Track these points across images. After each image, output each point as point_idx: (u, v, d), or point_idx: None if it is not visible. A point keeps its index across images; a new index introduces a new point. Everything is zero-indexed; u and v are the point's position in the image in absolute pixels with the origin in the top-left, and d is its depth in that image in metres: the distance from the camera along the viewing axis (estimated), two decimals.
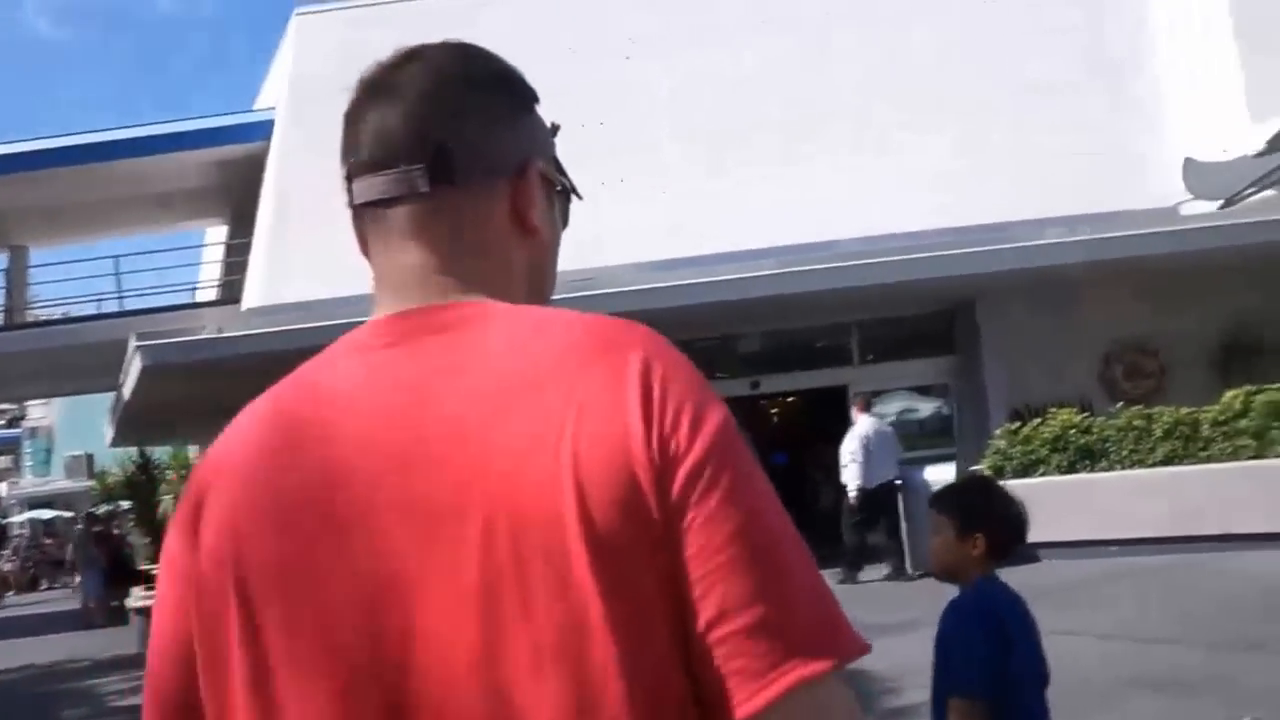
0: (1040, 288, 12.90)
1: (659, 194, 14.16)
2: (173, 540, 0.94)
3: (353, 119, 1.01)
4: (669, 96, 15.11)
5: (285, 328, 11.78)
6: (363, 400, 0.91)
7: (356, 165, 1.00)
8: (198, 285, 19.90)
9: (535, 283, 1.05)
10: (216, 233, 20.61)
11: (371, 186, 0.99)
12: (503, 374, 0.89)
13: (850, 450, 11.66)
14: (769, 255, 11.77)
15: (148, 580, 11.60)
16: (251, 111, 17.82)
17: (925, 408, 15.18)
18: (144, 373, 12.13)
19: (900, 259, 11.94)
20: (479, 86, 1.03)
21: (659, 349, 0.91)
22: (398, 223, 0.99)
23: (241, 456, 0.93)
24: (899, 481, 11.59)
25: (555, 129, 1.09)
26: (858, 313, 14.38)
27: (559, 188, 1.08)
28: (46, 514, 34.79)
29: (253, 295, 14.14)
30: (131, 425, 15.77)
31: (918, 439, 14.77)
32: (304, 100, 15.23)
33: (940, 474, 10.93)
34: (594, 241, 13.46)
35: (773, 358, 14.92)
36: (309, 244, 14.08)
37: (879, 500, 11.57)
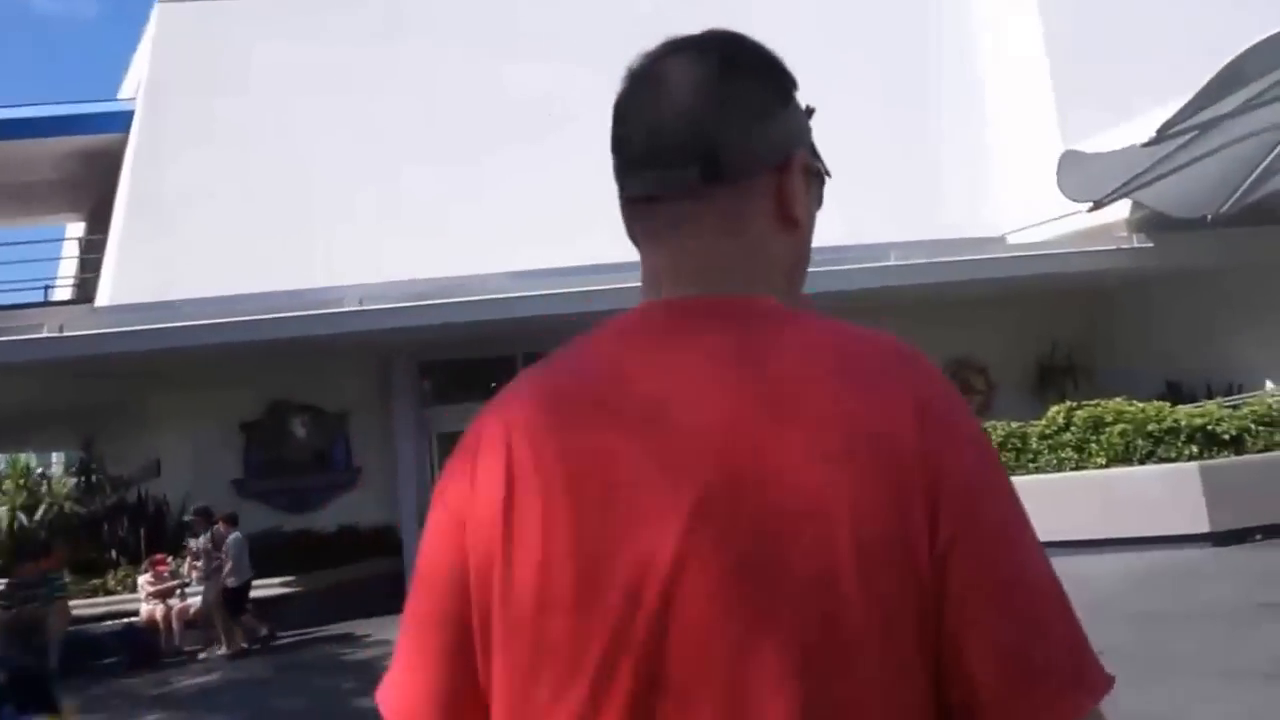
0: (874, 310, 13.92)
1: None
2: (449, 483, 0.98)
3: (622, 111, 1.02)
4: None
5: (126, 328, 11.75)
6: (643, 379, 0.93)
7: (629, 160, 1.02)
8: (54, 283, 19.05)
9: (795, 272, 1.05)
10: (76, 229, 19.85)
11: (644, 182, 1.00)
12: (779, 368, 0.90)
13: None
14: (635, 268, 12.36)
15: None
16: (114, 101, 17.25)
17: None
18: None
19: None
20: (746, 80, 1.01)
21: (935, 374, 0.93)
22: (669, 217, 1.00)
23: (523, 418, 0.95)
24: None
25: (810, 112, 1.07)
26: None
27: (817, 174, 1.06)
28: None
29: (105, 293, 13.94)
30: None
31: None
32: (161, 91, 15.14)
33: None
34: (469, 250, 13.94)
35: None
36: (164, 241, 14.00)
37: None
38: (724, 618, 0.85)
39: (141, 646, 11.26)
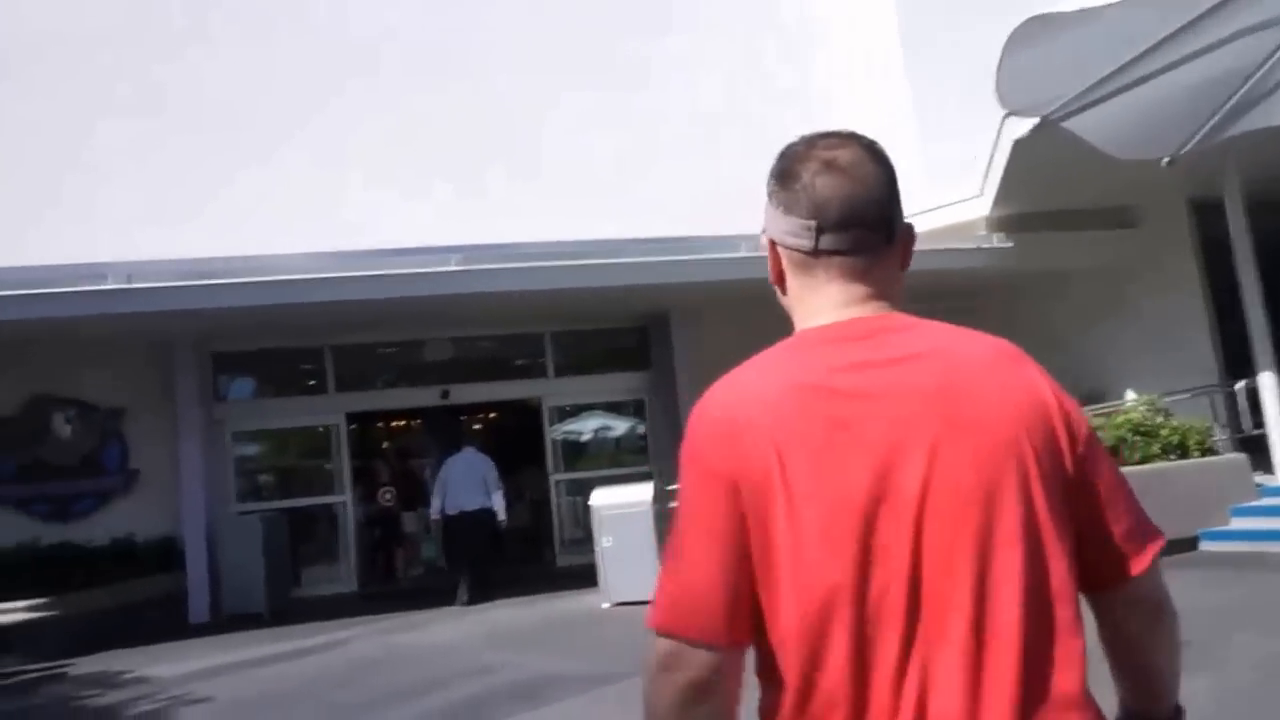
0: (736, 303, 12.90)
1: (341, 183, 13.06)
2: (711, 457, 1.39)
3: (801, 181, 1.48)
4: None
5: None
6: (853, 370, 1.40)
7: (827, 222, 1.46)
8: None
9: (900, 297, 1.52)
10: None
11: (839, 240, 1.46)
12: (950, 357, 1.42)
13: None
14: (454, 251, 10.97)
15: None
16: None
17: (621, 425, 14.96)
18: None
19: (592, 263, 11.51)
20: (889, 170, 1.51)
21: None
22: (853, 264, 1.48)
23: (767, 401, 1.39)
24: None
25: None
26: (550, 323, 13.95)
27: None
28: None
29: None
30: None
31: (615, 456, 14.59)
32: None
33: (637, 494, 10.56)
34: (260, 227, 12.26)
35: (464, 367, 14.12)
36: None
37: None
38: (959, 527, 1.32)
39: None
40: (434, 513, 12.05)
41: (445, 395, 13.80)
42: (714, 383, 1.45)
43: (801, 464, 1.34)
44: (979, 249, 12.22)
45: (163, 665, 9.42)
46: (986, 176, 11.50)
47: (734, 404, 1.41)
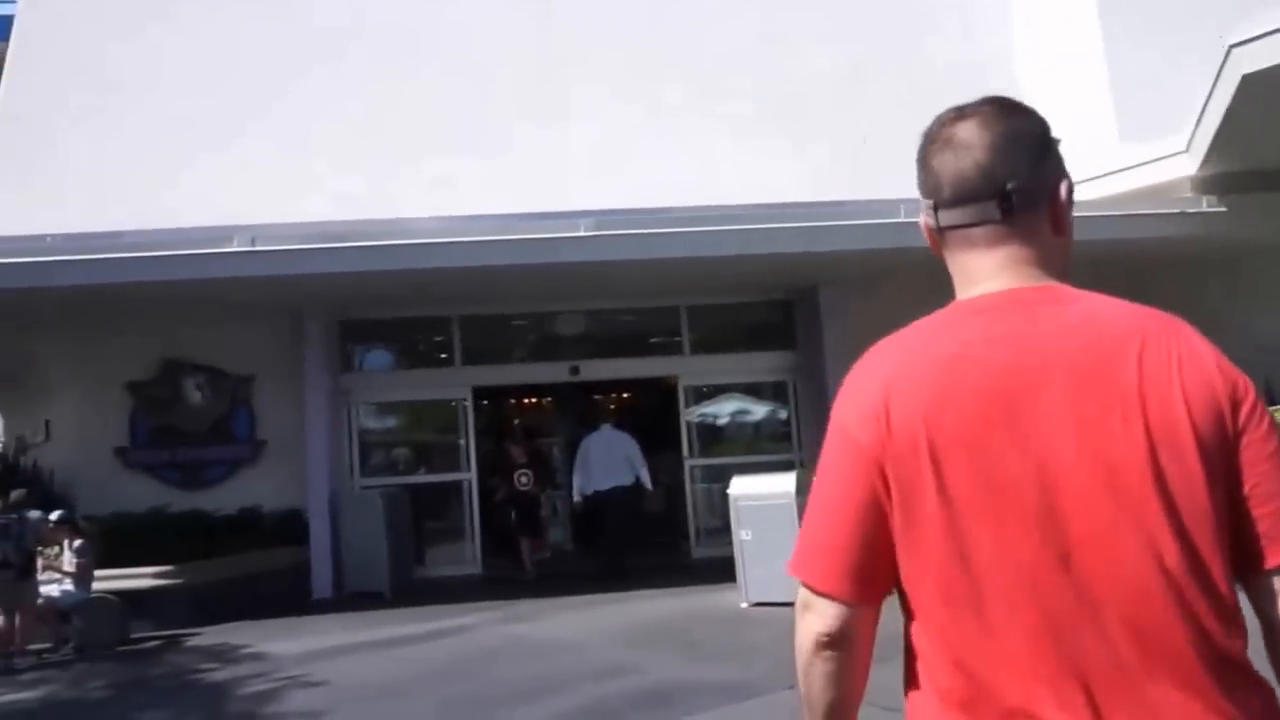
0: (891, 275, 11.84)
1: (462, 142, 12.48)
2: (855, 427, 1.44)
3: (927, 163, 1.54)
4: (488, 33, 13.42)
5: None
6: (1004, 340, 1.40)
7: (941, 200, 1.52)
8: None
9: (1064, 265, 1.51)
10: None
11: (954, 216, 1.51)
12: (1105, 330, 1.39)
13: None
14: (585, 216, 10.23)
15: None
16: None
17: (760, 409, 14.08)
18: None
19: (733, 229, 10.58)
20: (1023, 136, 1.50)
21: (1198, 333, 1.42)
22: (980, 237, 1.50)
23: (916, 371, 1.42)
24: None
25: (1058, 141, 1.56)
26: (687, 296, 13.12)
27: (1070, 188, 1.54)
28: None
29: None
30: None
31: (753, 442, 13.76)
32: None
33: (779, 484, 9.66)
34: (386, 193, 11.80)
35: (595, 342, 13.45)
36: (40, 166, 11.93)
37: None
38: (1108, 501, 1.32)
39: None
40: (575, 493, 11.91)
41: (575, 372, 13.15)
42: (865, 351, 1.50)
43: (949, 436, 1.37)
44: (1183, 214, 10.61)
45: (282, 642, 9.14)
46: (1197, 127, 9.82)
47: (882, 373, 1.45)
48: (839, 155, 12.74)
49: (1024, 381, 1.36)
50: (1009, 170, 1.46)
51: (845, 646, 1.44)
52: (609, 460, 11.69)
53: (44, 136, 12.15)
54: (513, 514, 12.12)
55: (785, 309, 13.54)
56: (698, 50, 13.49)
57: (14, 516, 9.08)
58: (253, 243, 10.02)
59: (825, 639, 1.44)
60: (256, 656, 8.71)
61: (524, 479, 12.04)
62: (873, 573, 1.42)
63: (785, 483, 9.65)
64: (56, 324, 11.78)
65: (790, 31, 13.71)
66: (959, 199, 1.48)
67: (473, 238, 10.10)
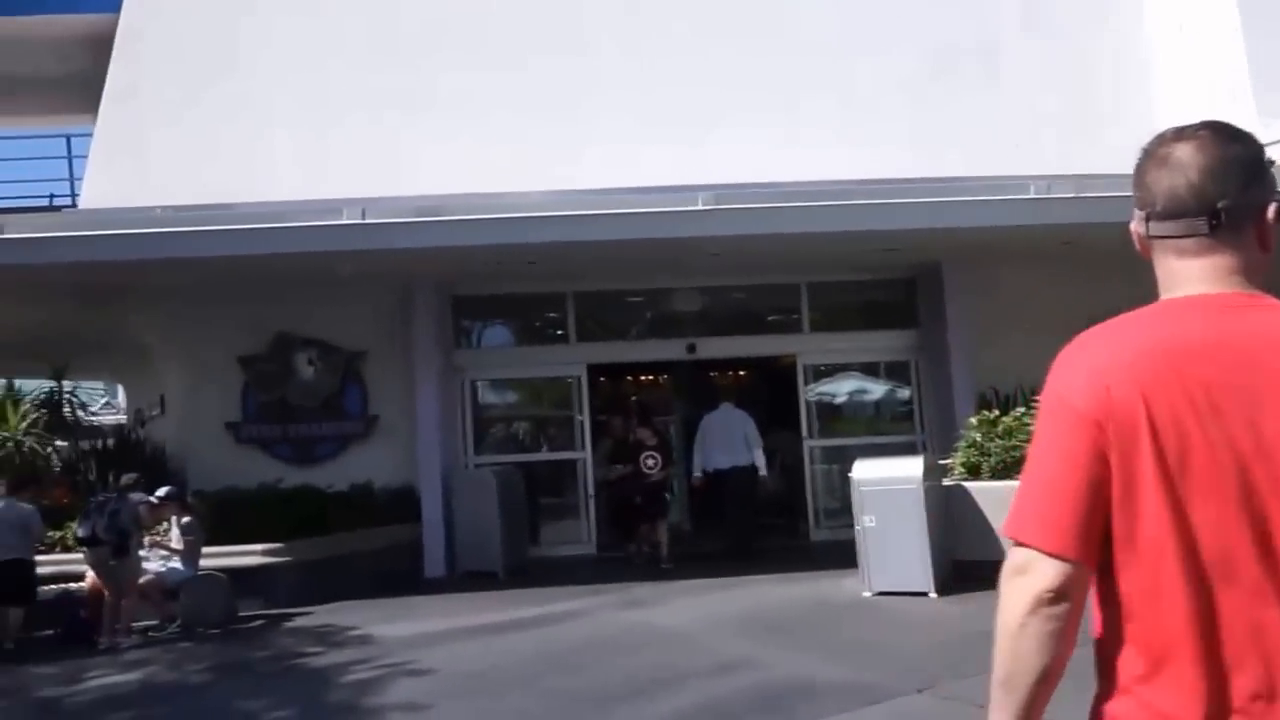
0: (1021, 254, 11.11)
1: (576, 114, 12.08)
2: (1075, 398, 1.54)
3: (1143, 178, 1.65)
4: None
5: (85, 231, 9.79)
6: (1215, 335, 1.53)
7: (1154, 213, 1.63)
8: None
9: (1264, 278, 1.61)
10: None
11: (1165, 228, 1.62)
12: None
13: None
14: (702, 190, 9.77)
15: None
16: None
17: (878, 389, 13.48)
18: None
19: (854, 204, 10.02)
20: (1236, 160, 1.60)
21: None
22: (1189, 246, 1.61)
23: (1132, 354, 1.53)
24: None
25: (1272, 163, 1.68)
26: (807, 273, 12.57)
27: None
28: None
29: (90, 196, 11.89)
30: None
31: (873, 423, 13.19)
32: None
33: (905, 468, 9.13)
34: (495, 166, 11.50)
35: (712, 319, 13.00)
36: (154, 137, 11.94)
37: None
38: None
39: (77, 620, 9.27)
40: (696, 471, 11.74)
41: (691, 349, 12.73)
42: (1080, 333, 1.61)
43: (1164, 415, 1.48)
44: None
45: (391, 624, 8.96)
46: None
47: (1102, 351, 1.58)
48: (965, 132, 12.01)
49: (1233, 375, 1.49)
50: (1220, 191, 1.57)
51: (1068, 604, 1.51)
52: (728, 439, 11.47)
53: (152, 109, 12.16)
54: (637, 498, 11.68)
55: (908, 287, 12.91)
56: (823, 20, 12.84)
57: (113, 495, 9.12)
58: (362, 215, 9.85)
59: (1050, 595, 1.50)
60: (363, 639, 8.55)
61: (650, 461, 11.64)
62: (1093, 532, 1.51)
63: (911, 467, 9.13)
64: (169, 298, 11.85)
65: (918, 6, 12.95)
66: (1170, 214, 1.60)
67: (587, 210, 9.75)
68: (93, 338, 14.26)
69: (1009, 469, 8.91)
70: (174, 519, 9.75)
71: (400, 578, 11.04)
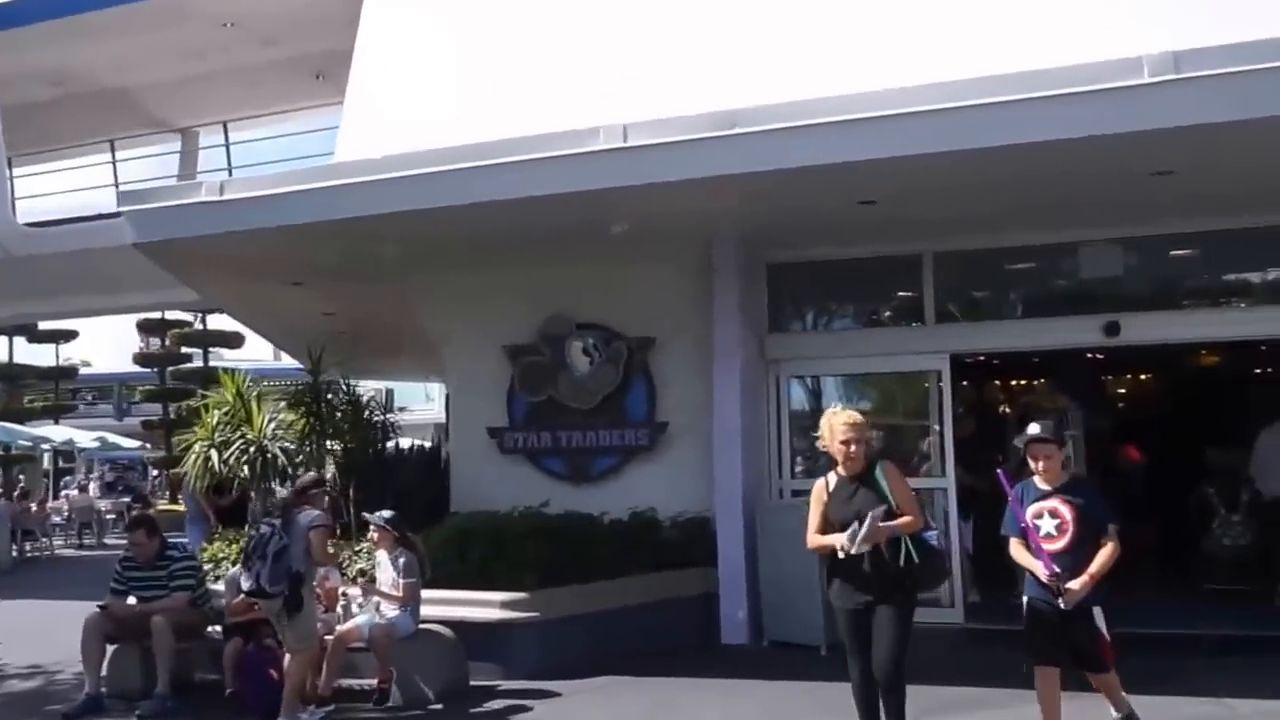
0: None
1: None
2: None
3: None
4: None
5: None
6: None
7: None
8: None
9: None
10: None
11: None
12: None
13: None
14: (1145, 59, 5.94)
15: None
16: None
17: None
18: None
19: None
20: None
21: None
22: None
23: None
24: None
25: None
26: None
27: None
28: None
29: (345, 146, 9.94)
30: None
31: None
32: None
33: None
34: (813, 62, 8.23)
35: (1144, 285, 8.91)
36: (410, 82, 9.90)
37: None
38: None
39: (265, 681, 6.96)
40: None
41: (1113, 331, 8.68)
42: None
43: None
44: None
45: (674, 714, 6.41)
46: None
47: None
48: None
49: None
50: None
51: None
52: None
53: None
54: None
55: None
56: None
57: (275, 523, 6.52)
58: (624, 137, 6.99)
59: None
60: None
61: None
62: None
63: None
64: (446, 272, 9.71)
65: None
66: None
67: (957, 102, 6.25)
68: (382, 331, 12.80)
69: None
70: (387, 554, 7.30)
71: (687, 642, 8.12)
